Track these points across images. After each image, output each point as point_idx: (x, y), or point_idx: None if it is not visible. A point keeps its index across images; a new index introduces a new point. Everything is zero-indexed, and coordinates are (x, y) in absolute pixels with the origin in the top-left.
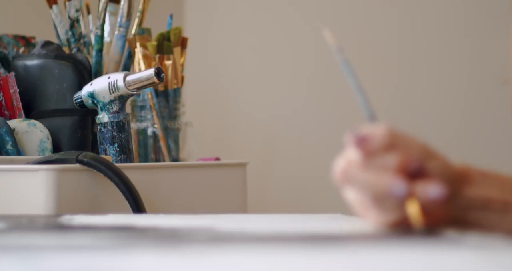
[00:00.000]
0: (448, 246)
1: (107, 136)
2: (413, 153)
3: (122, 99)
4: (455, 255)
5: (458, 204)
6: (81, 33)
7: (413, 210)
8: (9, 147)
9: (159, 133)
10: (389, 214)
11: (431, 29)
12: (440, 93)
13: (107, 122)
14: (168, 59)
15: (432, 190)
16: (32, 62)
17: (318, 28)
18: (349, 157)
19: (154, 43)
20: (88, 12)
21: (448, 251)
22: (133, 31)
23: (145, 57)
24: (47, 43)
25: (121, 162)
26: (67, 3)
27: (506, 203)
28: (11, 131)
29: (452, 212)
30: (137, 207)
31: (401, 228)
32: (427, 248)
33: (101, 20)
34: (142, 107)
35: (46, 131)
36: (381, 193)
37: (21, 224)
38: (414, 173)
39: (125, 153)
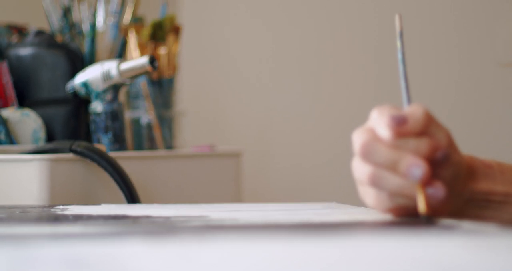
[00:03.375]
0: (442, 233)
1: (100, 125)
2: (443, 141)
3: (115, 88)
4: (449, 241)
5: (461, 197)
6: (74, 21)
7: (421, 198)
8: (2, 136)
9: (154, 122)
10: (389, 198)
11: (430, 16)
12: (442, 80)
13: (100, 112)
14: (162, 47)
15: (432, 190)
16: (25, 51)
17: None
18: (373, 130)
19: (148, 31)
20: (81, 0)
21: (442, 237)
22: (127, 20)
23: (139, 45)
24: (39, 33)
25: (115, 151)
26: None
27: (507, 194)
28: (4, 121)
29: (455, 204)
30: (131, 196)
31: (395, 216)
32: (422, 235)
33: (94, 8)
34: (136, 96)
35: (39, 121)
36: (399, 171)
37: (14, 214)
38: (438, 162)
39: (119, 142)
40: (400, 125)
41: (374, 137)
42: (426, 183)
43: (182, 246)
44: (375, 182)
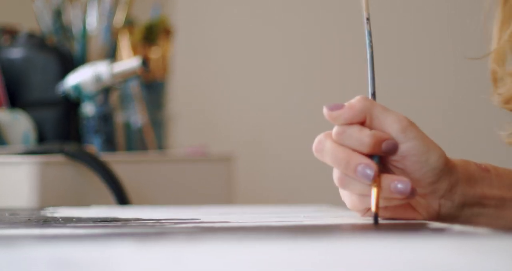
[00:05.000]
0: (432, 235)
1: (92, 127)
2: (394, 128)
3: (107, 90)
4: (439, 243)
5: (455, 201)
6: (65, 23)
7: (373, 196)
8: None
9: (146, 124)
10: (359, 199)
11: (398, 10)
12: (410, 74)
13: (91, 114)
14: (154, 49)
15: (398, 184)
16: (16, 53)
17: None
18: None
19: (140, 33)
20: (73, 2)
21: (432, 239)
22: (119, 22)
23: (131, 47)
24: (31, 35)
25: (106, 154)
26: None
27: (503, 198)
28: None
29: (448, 209)
30: (122, 199)
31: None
32: (412, 237)
33: (86, 10)
34: (128, 98)
35: (30, 123)
36: (350, 172)
37: (4, 216)
38: (386, 152)
39: (110, 144)
40: (336, 112)
41: (326, 135)
42: (376, 180)
43: (172, 248)
44: (343, 185)
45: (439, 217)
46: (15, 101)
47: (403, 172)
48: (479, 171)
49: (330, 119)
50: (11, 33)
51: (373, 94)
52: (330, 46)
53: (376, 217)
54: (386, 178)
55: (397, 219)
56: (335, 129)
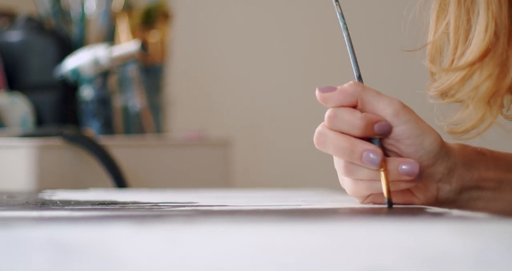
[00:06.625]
0: (431, 219)
1: (90, 110)
2: (387, 111)
3: (105, 74)
4: (437, 227)
5: (453, 185)
6: (64, 7)
7: (383, 181)
8: None
9: (144, 108)
10: (366, 185)
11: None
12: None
13: (90, 98)
14: (153, 33)
15: (405, 166)
16: (14, 37)
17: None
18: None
19: (139, 17)
20: None
21: (431, 223)
22: (117, 5)
23: (129, 31)
24: (29, 19)
25: (104, 137)
26: None
27: (500, 180)
28: None
29: (446, 193)
30: (120, 182)
31: (374, 203)
32: (410, 221)
33: None
34: (127, 82)
35: (28, 106)
36: (355, 159)
37: (1, 199)
38: (380, 134)
39: (108, 128)
40: (325, 92)
41: (325, 126)
42: (382, 165)
43: (169, 230)
44: (349, 173)
45: (437, 201)
46: (13, 84)
47: (399, 156)
48: (476, 154)
49: (321, 100)
50: (9, 17)
51: (359, 77)
52: (328, 31)
53: (390, 201)
54: (393, 161)
55: (395, 203)
56: (326, 113)
